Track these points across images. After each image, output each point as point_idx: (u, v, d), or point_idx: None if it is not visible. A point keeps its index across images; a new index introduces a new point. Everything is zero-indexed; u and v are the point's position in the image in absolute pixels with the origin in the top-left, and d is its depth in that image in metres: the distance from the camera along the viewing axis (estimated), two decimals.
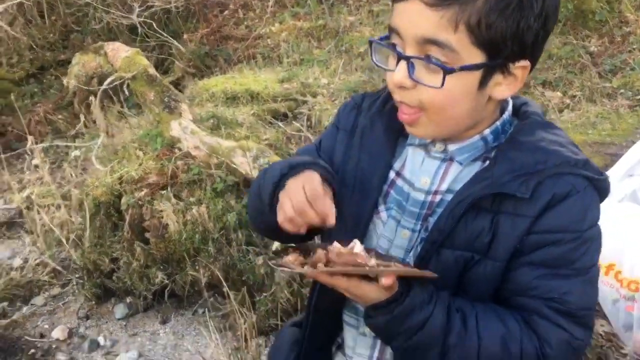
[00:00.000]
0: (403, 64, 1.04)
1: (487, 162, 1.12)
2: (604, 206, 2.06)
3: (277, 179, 1.13)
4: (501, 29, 0.99)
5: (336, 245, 1.05)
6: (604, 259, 1.99)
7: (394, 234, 1.18)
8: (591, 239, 1.09)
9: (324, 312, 1.30)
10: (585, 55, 4.44)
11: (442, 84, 1.01)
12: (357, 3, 5.68)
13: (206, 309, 3.02)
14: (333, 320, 1.30)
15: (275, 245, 2.70)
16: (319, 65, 4.66)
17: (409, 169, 1.19)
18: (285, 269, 1.02)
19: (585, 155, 1.10)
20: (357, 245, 1.05)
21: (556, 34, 4.70)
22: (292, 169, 1.13)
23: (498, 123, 1.14)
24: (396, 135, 1.19)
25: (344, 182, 1.21)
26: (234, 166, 3.02)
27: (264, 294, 2.84)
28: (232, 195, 2.99)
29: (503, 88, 1.07)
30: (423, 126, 1.10)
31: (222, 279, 2.85)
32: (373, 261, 1.03)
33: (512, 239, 1.07)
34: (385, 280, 0.99)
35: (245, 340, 2.76)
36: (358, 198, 1.19)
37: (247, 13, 5.75)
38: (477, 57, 1.01)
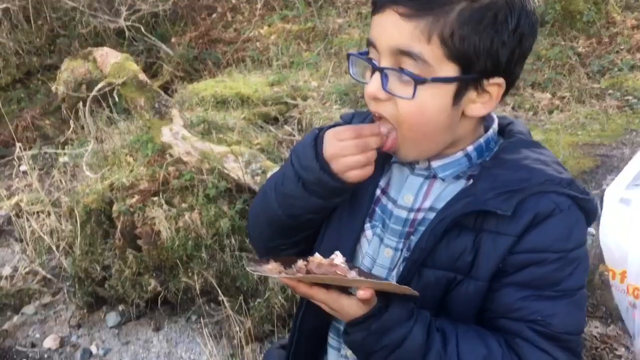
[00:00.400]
0: (377, 75, 1.03)
1: (472, 180, 1.10)
2: (616, 212, 2.06)
3: (314, 140, 1.12)
4: (474, 43, 0.99)
5: (317, 256, 1.04)
6: (617, 265, 2.00)
7: (377, 252, 1.17)
8: (577, 260, 1.05)
9: (309, 334, 1.28)
10: (574, 56, 4.48)
11: (414, 95, 1.00)
12: (346, 5, 5.68)
13: (200, 316, 3.00)
14: (318, 343, 1.28)
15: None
16: (309, 67, 4.65)
17: (394, 187, 1.18)
18: (263, 274, 1.03)
19: (570, 174, 1.09)
20: (338, 257, 1.04)
21: (544, 35, 4.73)
22: (320, 131, 1.14)
23: (481, 140, 1.12)
24: (385, 153, 1.15)
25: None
26: (226, 171, 3.01)
27: (258, 300, 2.83)
28: (224, 200, 2.98)
29: (478, 106, 1.06)
30: (404, 148, 1.09)
31: (215, 285, 2.84)
32: (353, 274, 1.02)
33: (494, 258, 1.04)
34: (363, 293, 0.98)
35: (240, 346, 2.75)
36: (348, 215, 1.18)
37: (235, 16, 5.74)
38: (450, 70, 1.01)
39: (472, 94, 1.05)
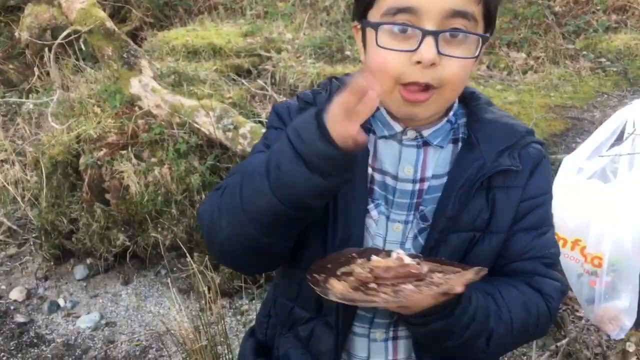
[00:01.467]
0: (431, 41, 1.00)
1: (460, 143, 1.15)
2: (572, 183, 2.10)
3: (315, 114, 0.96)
4: (495, 3, 1.07)
5: (376, 259, 1.00)
6: (570, 234, 2.04)
7: (385, 229, 1.15)
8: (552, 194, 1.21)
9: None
10: (550, 16, 4.45)
11: (479, 53, 1.05)
12: None
13: (169, 271, 2.99)
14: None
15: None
16: (284, 19, 4.55)
17: (388, 161, 1.15)
18: (363, 304, 0.94)
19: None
20: (404, 256, 1.00)
21: None
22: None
23: (455, 105, 1.18)
24: (364, 128, 1.07)
25: None
26: (197, 126, 2.95)
27: None
28: (195, 156, 2.93)
29: (475, 65, 1.13)
30: (430, 104, 1.07)
31: (184, 241, 2.83)
32: (426, 268, 0.98)
33: (510, 210, 1.13)
34: (460, 289, 0.94)
35: (209, 302, 2.76)
36: (350, 200, 1.11)
37: None
38: (482, 28, 1.07)
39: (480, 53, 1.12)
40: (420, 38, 1.00)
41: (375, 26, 1.04)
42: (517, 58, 4.08)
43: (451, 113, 1.16)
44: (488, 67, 4.05)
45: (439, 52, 1.00)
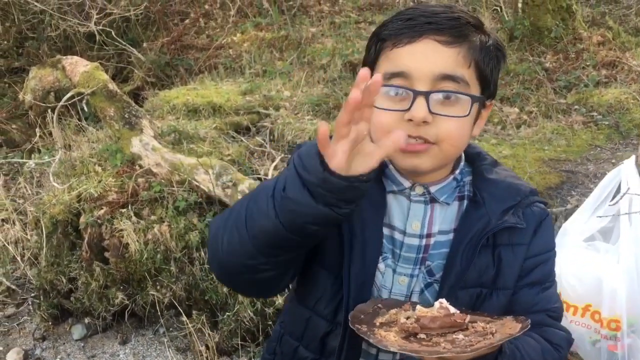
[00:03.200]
0: (422, 101, 1.07)
1: (465, 201, 1.21)
2: (573, 248, 2.09)
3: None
4: (490, 67, 1.13)
5: (421, 308, 1.05)
6: (580, 300, 2.02)
7: (392, 282, 1.20)
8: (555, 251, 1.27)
9: None
10: (541, 72, 4.57)
11: (469, 112, 1.10)
12: (319, 14, 5.71)
13: (167, 329, 2.97)
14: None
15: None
16: (282, 77, 4.65)
17: (397, 216, 1.20)
18: (418, 355, 0.95)
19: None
20: (449, 306, 1.04)
21: (513, 50, 4.82)
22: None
23: (462, 164, 1.24)
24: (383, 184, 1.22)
25: (353, 232, 1.16)
26: (197, 183, 2.99)
27: (227, 313, 2.82)
28: (194, 213, 2.96)
29: (477, 125, 1.18)
30: (430, 157, 1.12)
31: (181, 299, 2.83)
32: (468, 317, 1.04)
33: (516, 267, 1.19)
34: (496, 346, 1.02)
35: None
36: (361, 248, 1.16)
37: (208, 22, 5.71)
38: (477, 90, 1.13)
39: (480, 118, 1.18)
40: (412, 99, 1.07)
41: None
42: (510, 113, 4.17)
43: (457, 171, 1.21)
44: None
45: (430, 111, 1.07)
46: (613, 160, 3.56)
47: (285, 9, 5.70)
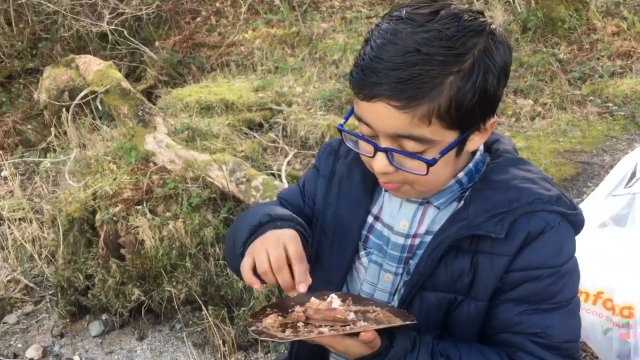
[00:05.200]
0: (382, 155, 1.04)
1: (462, 202, 1.13)
2: (586, 234, 2.07)
3: (255, 226, 1.12)
4: (470, 102, 0.99)
5: (314, 300, 1.06)
6: (592, 287, 1.96)
7: (377, 278, 1.19)
8: (569, 272, 1.10)
9: (307, 357, 1.30)
10: (555, 63, 4.52)
11: (427, 173, 1.03)
12: (330, 10, 5.69)
13: (184, 325, 2.99)
14: None
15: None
16: (294, 73, 4.65)
17: (388, 212, 1.19)
18: (268, 338, 1.00)
19: (557, 189, 1.12)
20: (334, 300, 1.05)
21: (527, 42, 4.78)
22: (273, 221, 1.13)
23: (471, 165, 1.14)
24: (373, 181, 1.19)
25: (323, 230, 1.22)
26: (210, 180, 3.00)
27: (243, 309, 2.83)
28: (208, 209, 2.97)
29: (476, 141, 1.09)
30: (407, 193, 1.12)
31: (198, 294, 2.84)
32: (352, 315, 1.03)
33: (492, 278, 1.08)
34: (365, 335, 0.99)
35: (224, 356, 2.75)
36: (337, 246, 1.19)
37: (219, 20, 5.72)
38: (452, 136, 1.03)
39: (473, 137, 1.07)
40: (374, 152, 1.05)
41: (339, 130, 1.13)
42: (524, 105, 4.13)
43: (462, 173, 1.13)
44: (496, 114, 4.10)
45: (392, 164, 1.04)
46: (629, 151, 3.52)
47: (296, 5, 5.69)
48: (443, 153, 1.03)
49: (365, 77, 0.99)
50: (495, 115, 1.08)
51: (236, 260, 1.13)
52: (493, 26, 1.03)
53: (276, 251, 1.05)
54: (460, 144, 1.05)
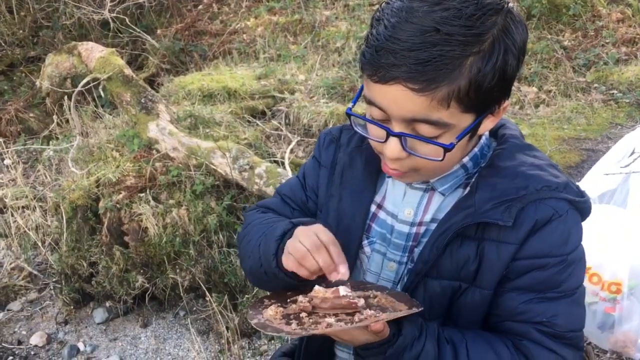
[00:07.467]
0: (394, 140, 1.01)
1: (468, 189, 1.11)
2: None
3: (279, 236, 1.11)
4: (489, 84, 0.96)
5: (319, 289, 1.02)
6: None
7: (380, 267, 1.17)
8: (575, 261, 1.08)
9: (315, 350, 1.28)
10: (560, 50, 4.50)
11: (444, 158, 1.00)
12: None
13: (188, 312, 2.99)
14: (325, 355, 1.29)
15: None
16: (296, 60, 4.63)
17: (391, 201, 1.17)
18: (274, 333, 0.96)
19: (565, 176, 1.10)
20: (341, 288, 1.02)
21: (531, 29, 4.74)
22: (295, 227, 1.10)
23: (476, 149, 1.11)
24: (376, 170, 1.17)
25: (327, 222, 1.18)
26: (214, 167, 3.00)
27: (247, 296, 2.83)
28: (212, 197, 2.96)
29: (488, 124, 1.06)
30: (411, 177, 1.10)
31: (202, 281, 2.84)
32: (362, 301, 1.01)
33: (498, 267, 1.06)
34: (375, 326, 0.97)
35: (228, 342, 2.75)
36: (342, 237, 1.14)
37: (221, 7, 5.69)
38: (468, 119, 1.00)
39: (486, 120, 1.04)
40: (386, 136, 1.01)
41: (347, 114, 1.09)
42: (528, 92, 4.11)
43: (467, 158, 1.10)
44: None
45: (405, 150, 1.01)
46: None
47: None
48: (460, 137, 0.99)
49: (380, 58, 0.94)
50: (509, 98, 1.05)
51: (268, 279, 1.14)
52: (510, 4, 0.98)
53: (309, 238, 1.03)
54: (475, 127, 1.02)
